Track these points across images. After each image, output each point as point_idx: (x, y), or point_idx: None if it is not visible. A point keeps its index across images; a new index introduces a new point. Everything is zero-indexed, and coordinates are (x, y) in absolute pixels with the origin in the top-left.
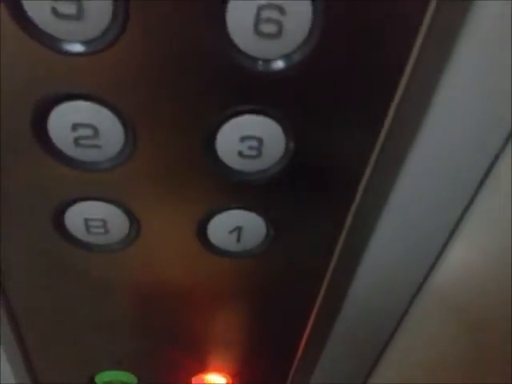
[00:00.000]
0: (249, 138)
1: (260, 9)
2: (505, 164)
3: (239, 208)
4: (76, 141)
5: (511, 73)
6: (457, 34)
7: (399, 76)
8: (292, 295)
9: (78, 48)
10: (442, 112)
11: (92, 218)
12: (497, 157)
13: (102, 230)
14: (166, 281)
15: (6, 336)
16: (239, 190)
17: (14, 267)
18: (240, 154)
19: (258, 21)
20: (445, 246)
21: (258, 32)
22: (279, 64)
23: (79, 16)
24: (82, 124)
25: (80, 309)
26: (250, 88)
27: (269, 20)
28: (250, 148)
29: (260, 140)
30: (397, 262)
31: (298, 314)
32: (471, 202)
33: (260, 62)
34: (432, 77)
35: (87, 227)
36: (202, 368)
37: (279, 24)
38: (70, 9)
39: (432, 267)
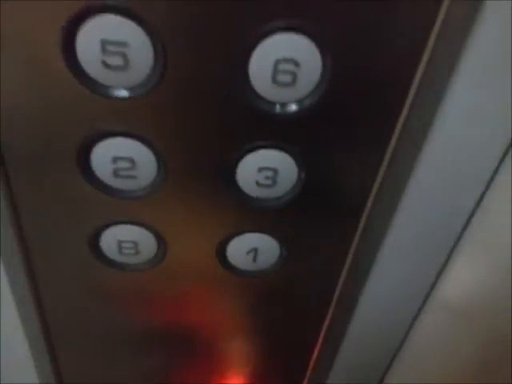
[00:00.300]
0: (265, 169)
1: (277, 62)
2: (505, 173)
3: (255, 231)
4: (115, 172)
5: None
6: (457, 56)
7: (398, 113)
8: (304, 309)
9: (122, 93)
10: (440, 142)
11: (125, 240)
12: (496, 169)
13: (133, 251)
14: (189, 297)
15: (38, 343)
16: (256, 214)
17: (50, 282)
18: (257, 183)
19: (275, 72)
20: (450, 256)
21: (275, 81)
22: (293, 107)
23: (125, 67)
24: (122, 157)
25: (108, 323)
26: (267, 127)
27: (284, 71)
28: (267, 178)
29: (275, 171)
30: (404, 273)
31: (310, 325)
32: (474, 212)
33: (277, 106)
34: (431, 107)
35: (120, 248)
36: (222, 379)
37: (293, 75)
38: (117, 61)
39: (438, 276)
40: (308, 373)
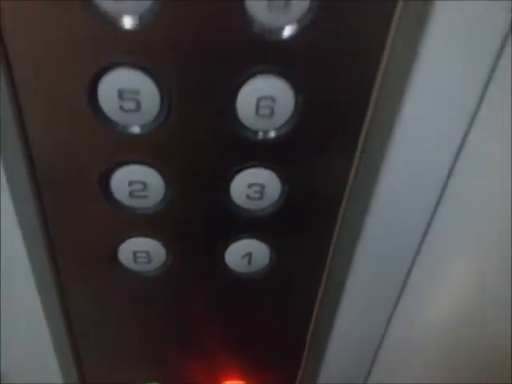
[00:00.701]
0: (254, 185)
1: (259, 99)
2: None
3: (249, 237)
4: (130, 193)
5: None
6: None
7: (358, 133)
8: (293, 306)
9: (135, 130)
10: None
11: (139, 250)
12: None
13: (146, 260)
14: (192, 300)
15: (62, 345)
16: (248, 223)
17: (76, 289)
18: (248, 196)
19: (257, 107)
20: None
21: (257, 113)
22: (272, 134)
23: (137, 110)
24: (136, 181)
25: (125, 324)
26: (253, 150)
27: (264, 106)
28: (255, 192)
29: (262, 186)
30: (379, 269)
31: (299, 321)
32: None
33: (259, 133)
34: (389, 115)
35: (135, 258)
36: (224, 377)
37: (272, 108)
38: (131, 105)
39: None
40: (301, 369)
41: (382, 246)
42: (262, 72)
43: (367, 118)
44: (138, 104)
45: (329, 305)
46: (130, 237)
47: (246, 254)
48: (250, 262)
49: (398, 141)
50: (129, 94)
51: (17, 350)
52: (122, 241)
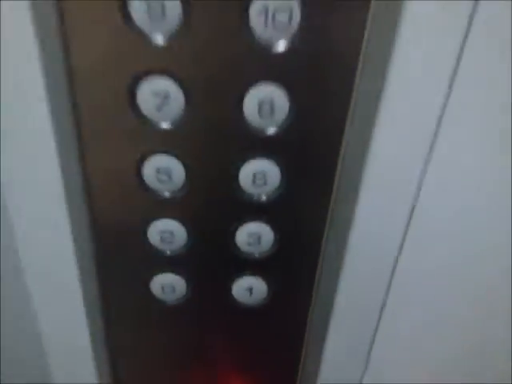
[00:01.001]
0: (253, 235)
1: (254, 175)
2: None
3: (250, 275)
4: (161, 239)
5: None
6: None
7: (329, 194)
8: (287, 329)
9: (166, 194)
10: None
11: (165, 284)
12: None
13: (171, 291)
14: (206, 322)
15: (100, 350)
16: (249, 263)
17: (116, 312)
18: (248, 243)
19: (254, 179)
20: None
21: (254, 183)
22: (263, 197)
23: (169, 181)
24: (165, 231)
25: (152, 339)
26: (249, 209)
27: (259, 178)
28: (254, 239)
29: (259, 236)
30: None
31: (293, 342)
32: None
33: (254, 196)
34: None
35: (163, 290)
36: None
37: (264, 180)
38: (165, 179)
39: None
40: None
41: (360, 272)
42: (257, 155)
43: (335, 185)
44: (170, 178)
45: (318, 327)
46: (160, 273)
47: (247, 288)
48: (251, 294)
49: (365, 201)
50: (162, 172)
51: (61, 356)
52: (154, 276)
